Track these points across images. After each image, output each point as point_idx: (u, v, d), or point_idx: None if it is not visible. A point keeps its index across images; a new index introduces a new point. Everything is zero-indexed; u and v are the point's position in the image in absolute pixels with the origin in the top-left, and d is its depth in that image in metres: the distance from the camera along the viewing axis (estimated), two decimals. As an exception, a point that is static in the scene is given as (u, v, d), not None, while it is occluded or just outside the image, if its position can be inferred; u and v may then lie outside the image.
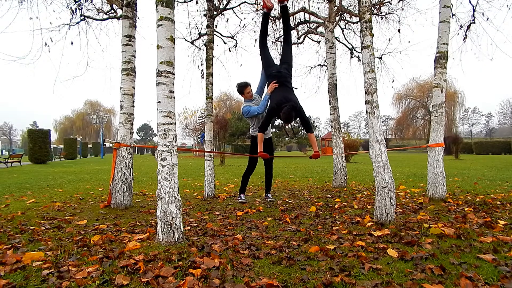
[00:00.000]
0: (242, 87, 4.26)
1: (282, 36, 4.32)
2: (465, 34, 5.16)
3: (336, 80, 5.98)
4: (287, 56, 4.10)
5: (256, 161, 4.47)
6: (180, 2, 5.62)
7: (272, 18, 6.83)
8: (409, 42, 12.13)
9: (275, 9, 6.18)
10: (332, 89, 5.95)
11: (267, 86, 4.03)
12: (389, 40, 6.97)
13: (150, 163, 17.46)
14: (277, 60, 4.45)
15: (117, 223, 3.16)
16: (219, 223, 3.12)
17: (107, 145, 41.35)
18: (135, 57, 4.24)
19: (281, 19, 6.75)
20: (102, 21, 5.12)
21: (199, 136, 29.48)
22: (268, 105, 4.01)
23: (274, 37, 7.19)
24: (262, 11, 4.28)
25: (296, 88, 4.06)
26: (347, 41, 7.36)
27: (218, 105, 45.02)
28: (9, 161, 15.19)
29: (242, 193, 4.43)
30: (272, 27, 7.16)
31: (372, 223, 2.89)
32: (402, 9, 6.48)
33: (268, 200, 4.43)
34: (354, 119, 78.72)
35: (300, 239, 2.45)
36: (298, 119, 3.88)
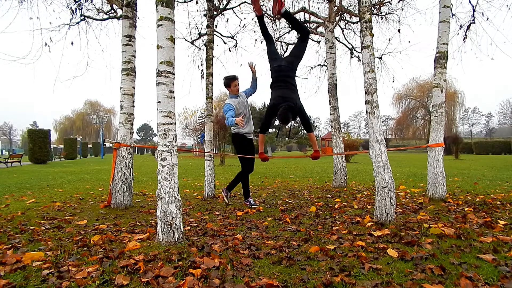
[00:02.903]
0: (230, 80, 4.05)
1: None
2: (465, 34, 5.15)
3: (336, 80, 5.98)
4: (296, 49, 3.88)
5: (252, 160, 4.22)
6: (180, 2, 5.63)
7: (272, 18, 6.83)
8: (409, 42, 12.06)
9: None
10: (332, 89, 5.95)
11: (271, 77, 3.78)
12: (389, 40, 6.96)
13: (150, 163, 17.46)
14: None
15: (117, 223, 3.16)
16: (219, 223, 3.12)
17: (107, 145, 41.41)
18: (135, 57, 4.24)
19: (281, 19, 6.76)
20: (102, 21, 5.13)
21: (199, 136, 29.47)
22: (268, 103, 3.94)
23: (274, 37, 7.18)
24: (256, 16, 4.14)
25: (295, 84, 3.81)
26: (347, 41, 7.36)
27: (218, 105, 44.83)
28: (9, 161, 15.20)
29: (250, 197, 4.19)
30: (272, 27, 7.16)
31: (372, 223, 2.89)
32: (402, 9, 6.48)
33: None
34: (354, 119, 78.84)
35: (300, 239, 2.45)
36: (298, 118, 3.71)
